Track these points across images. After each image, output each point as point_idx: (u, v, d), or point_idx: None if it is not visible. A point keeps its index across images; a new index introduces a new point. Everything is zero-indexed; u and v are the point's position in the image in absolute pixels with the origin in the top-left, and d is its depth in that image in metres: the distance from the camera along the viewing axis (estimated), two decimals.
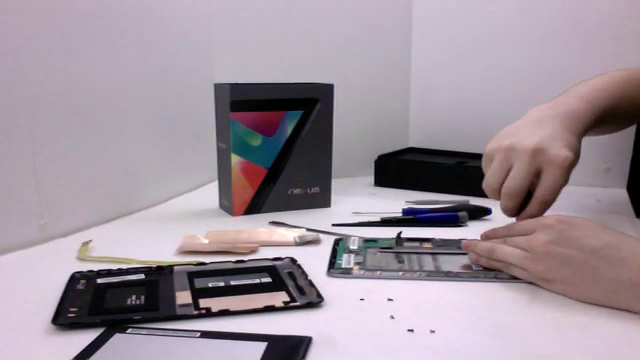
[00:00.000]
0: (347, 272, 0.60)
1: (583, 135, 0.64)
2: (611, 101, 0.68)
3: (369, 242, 0.69)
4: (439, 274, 0.59)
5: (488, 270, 0.59)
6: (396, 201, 0.88)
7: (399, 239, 0.69)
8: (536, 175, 0.60)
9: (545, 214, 0.60)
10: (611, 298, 0.50)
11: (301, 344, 0.44)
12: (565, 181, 0.59)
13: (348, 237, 0.71)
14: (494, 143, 0.63)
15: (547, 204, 0.60)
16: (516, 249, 0.56)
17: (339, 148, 0.88)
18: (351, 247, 0.67)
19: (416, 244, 0.68)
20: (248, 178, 0.82)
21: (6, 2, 0.63)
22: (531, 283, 0.56)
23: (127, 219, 0.81)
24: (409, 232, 0.72)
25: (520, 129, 0.62)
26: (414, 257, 0.64)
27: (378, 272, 0.60)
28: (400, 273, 0.60)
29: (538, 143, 0.59)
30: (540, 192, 0.59)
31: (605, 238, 0.52)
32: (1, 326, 0.49)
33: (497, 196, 0.62)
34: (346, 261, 0.63)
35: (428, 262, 0.63)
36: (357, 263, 0.62)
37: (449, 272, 0.60)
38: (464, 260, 0.62)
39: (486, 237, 0.62)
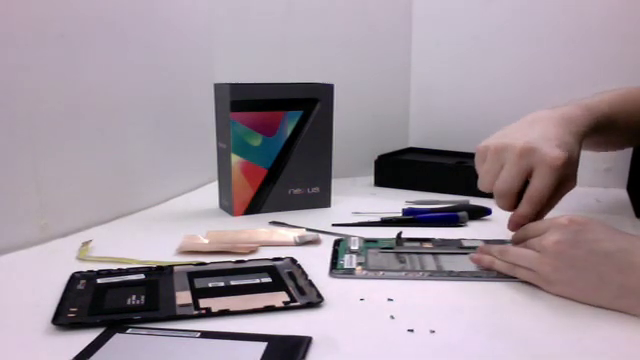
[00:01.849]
0: (349, 272, 0.60)
1: (582, 137, 0.64)
2: (609, 109, 0.68)
3: (369, 242, 0.69)
4: (442, 274, 0.59)
5: (490, 270, 0.59)
6: (396, 201, 0.88)
7: (399, 239, 0.69)
8: (528, 174, 0.60)
9: (551, 214, 0.60)
10: (615, 302, 0.50)
11: (301, 344, 0.44)
12: (555, 180, 0.59)
13: (348, 237, 0.71)
14: (485, 142, 0.63)
15: (536, 203, 0.60)
16: (529, 250, 0.55)
17: (339, 148, 0.88)
18: (352, 247, 0.67)
19: (416, 244, 0.68)
20: (248, 178, 0.82)
21: (7, 2, 0.63)
22: (531, 283, 0.56)
23: (127, 219, 0.81)
24: (409, 232, 0.72)
25: (514, 129, 0.63)
26: (415, 257, 0.64)
27: (380, 272, 0.60)
28: (403, 273, 0.60)
29: (527, 142, 0.59)
30: (529, 191, 0.60)
31: (618, 242, 0.51)
32: (1, 326, 0.49)
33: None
34: (348, 261, 0.63)
35: (430, 262, 0.63)
36: (359, 263, 0.62)
37: (451, 272, 0.60)
38: (465, 259, 0.62)
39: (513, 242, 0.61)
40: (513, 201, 0.61)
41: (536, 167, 0.59)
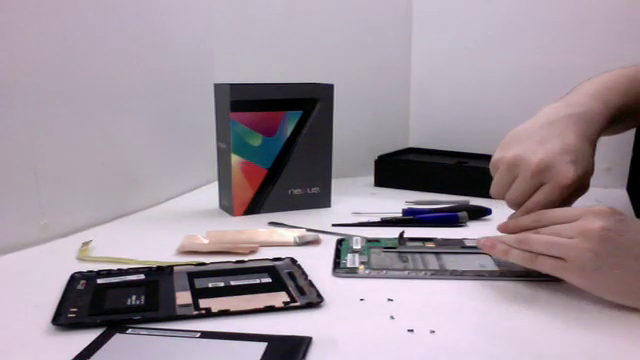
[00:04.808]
0: (353, 272, 0.60)
1: (598, 137, 0.60)
2: (623, 99, 0.64)
3: (372, 242, 0.69)
4: (444, 273, 0.59)
5: (493, 269, 0.59)
6: (396, 201, 0.88)
7: (402, 239, 0.69)
8: (538, 187, 0.57)
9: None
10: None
11: (301, 344, 0.44)
12: (561, 198, 0.56)
13: (351, 237, 0.71)
14: (499, 153, 0.60)
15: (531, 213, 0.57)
16: (559, 237, 0.52)
17: (339, 148, 0.88)
18: (354, 247, 0.67)
19: (419, 244, 0.68)
20: (248, 178, 0.82)
21: (6, 1, 0.63)
22: (532, 283, 0.56)
23: (127, 219, 0.81)
24: (409, 232, 0.72)
25: (528, 134, 0.59)
26: (418, 256, 0.64)
27: (383, 271, 0.60)
28: (405, 272, 0.60)
29: (543, 159, 0.56)
30: (529, 202, 0.57)
31: None
32: (1, 326, 0.49)
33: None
34: (351, 261, 0.63)
35: (432, 261, 0.63)
36: (362, 263, 0.62)
37: (454, 271, 0.60)
38: (468, 258, 0.62)
39: (507, 229, 0.59)
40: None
41: (546, 182, 0.56)
